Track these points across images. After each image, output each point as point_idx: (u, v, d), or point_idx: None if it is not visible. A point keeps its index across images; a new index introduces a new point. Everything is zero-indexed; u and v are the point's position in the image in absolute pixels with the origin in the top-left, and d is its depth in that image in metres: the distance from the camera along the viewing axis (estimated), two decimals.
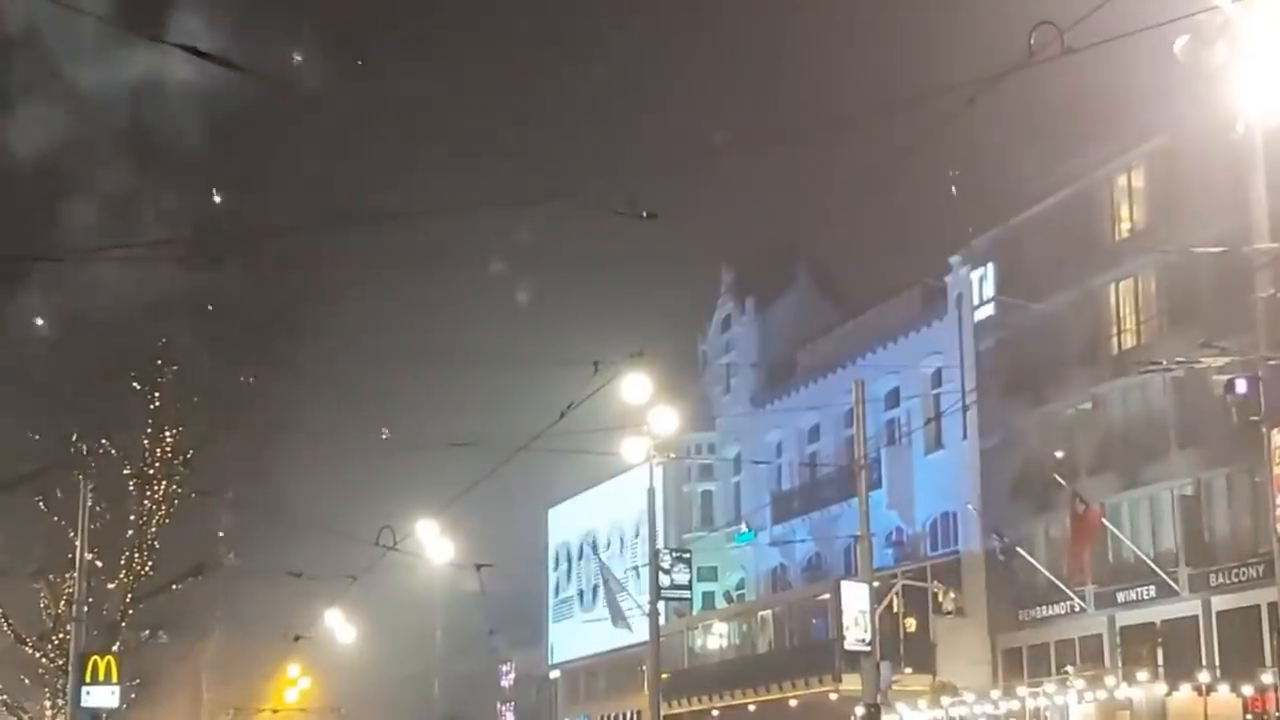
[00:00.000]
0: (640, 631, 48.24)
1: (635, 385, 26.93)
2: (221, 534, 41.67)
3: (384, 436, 38.26)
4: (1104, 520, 37.92)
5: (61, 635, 35.83)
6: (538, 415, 25.70)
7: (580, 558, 69.91)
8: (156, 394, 38.14)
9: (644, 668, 43.18)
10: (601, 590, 63.35)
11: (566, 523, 72.36)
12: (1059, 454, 41.35)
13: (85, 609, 32.87)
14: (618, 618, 52.33)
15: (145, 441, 38.19)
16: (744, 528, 57.56)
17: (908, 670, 44.03)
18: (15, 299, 29.08)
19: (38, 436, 34.06)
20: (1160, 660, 37.17)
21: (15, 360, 33.32)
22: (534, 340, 53.11)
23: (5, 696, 39.58)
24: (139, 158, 35.65)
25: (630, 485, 52.52)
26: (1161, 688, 35.51)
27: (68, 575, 35.09)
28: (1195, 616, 36.87)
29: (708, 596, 59.49)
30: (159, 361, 37.60)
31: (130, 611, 38.42)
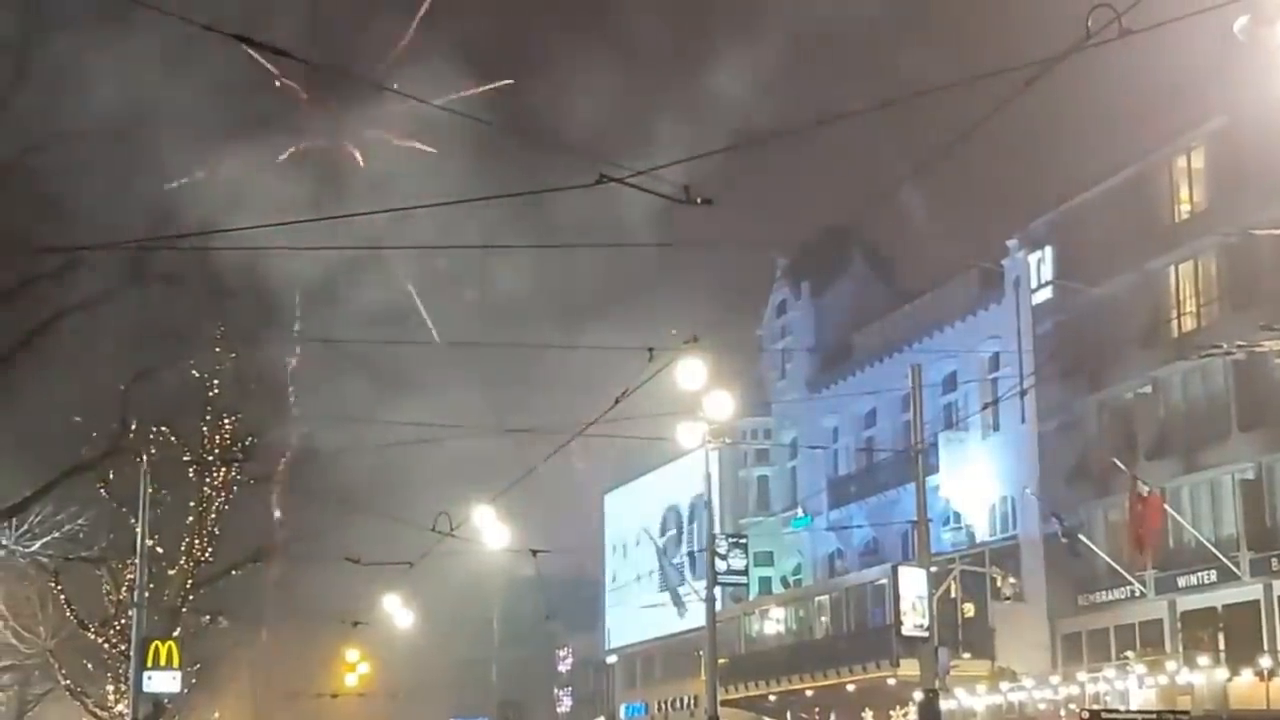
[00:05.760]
0: (697, 616, 48.29)
1: (690, 371, 26.82)
2: (280, 520, 41.98)
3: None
4: (1165, 505, 37.67)
5: (123, 621, 36.21)
6: (593, 401, 25.70)
7: (636, 543, 69.97)
8: (215, 381, 38.46)
9: (701, 653, 43.17)
10: (658, 575, 63.48)
11: (623, 508, 72.44)
12: (1119, 438, 41.08)
13: (146, 595, 33.21)
14: (677, 603, 52.36)
15: (204, 428, 38.51)
16: (800, 513, 57.44)
17: (966, 655, 43.81)
18: (74, 287, 29.27)
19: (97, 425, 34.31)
20: (1221, 645, 36.90)
21: (75, 348, 33.59)
22: (589, 327, 53.13)
23: (69, 681, 40.02)
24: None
25: (686, 470, 52.50)
26: (1223, 673, 35.26)
27: (129, 561, 35.48)
28: (1257, 601, 36.57)
29: (764, 582, 59.41)
30: (217, 349, 37.89)
31: (190, 597, 38.78)
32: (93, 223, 28.23)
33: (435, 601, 58.46)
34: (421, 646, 64.61)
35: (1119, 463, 39.06)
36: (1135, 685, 37.02)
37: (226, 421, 38.68)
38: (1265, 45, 15.40)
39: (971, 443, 48.12)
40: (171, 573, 37.89)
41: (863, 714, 49.81)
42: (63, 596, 37.58)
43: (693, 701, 59.93)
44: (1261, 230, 34.60)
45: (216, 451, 38.38)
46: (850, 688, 47.98)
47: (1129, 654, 39.14)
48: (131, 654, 32.61)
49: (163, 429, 36.27)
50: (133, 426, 34.07)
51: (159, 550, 36.36)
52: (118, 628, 37.05)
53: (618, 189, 13.40)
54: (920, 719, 32.32)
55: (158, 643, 31.94)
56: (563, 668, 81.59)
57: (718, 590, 38.84)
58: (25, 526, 33.41)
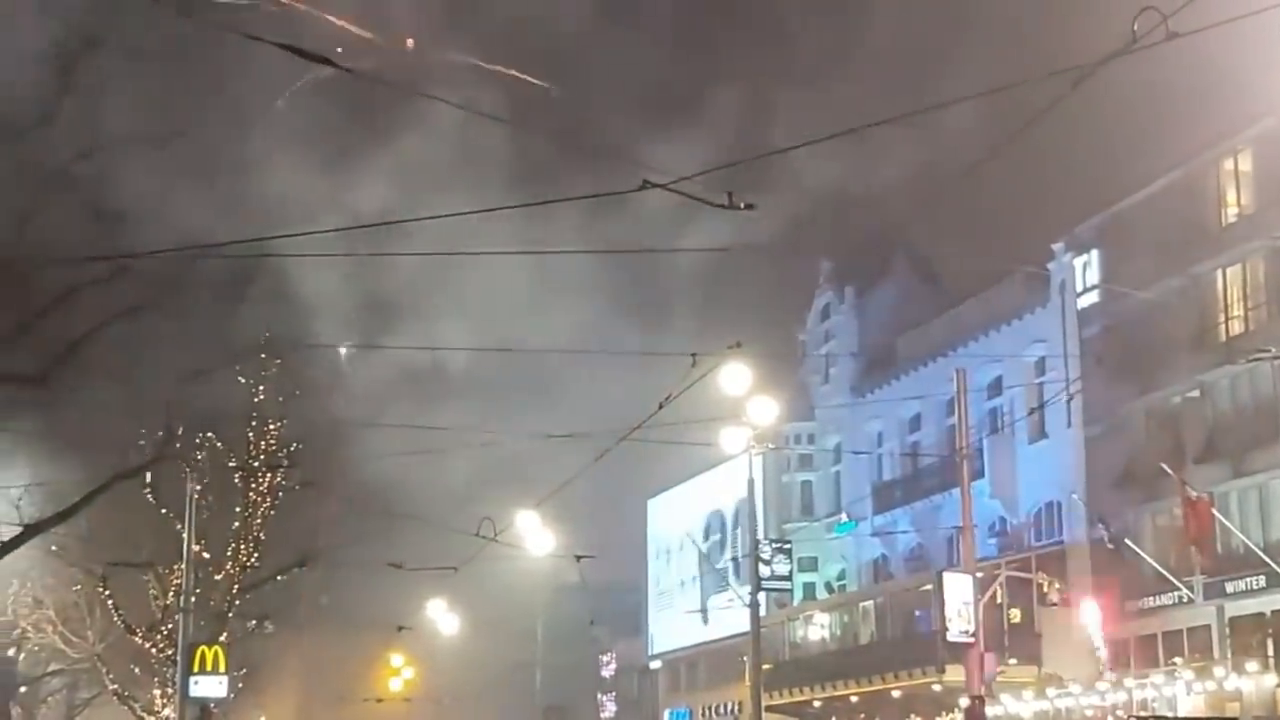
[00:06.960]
0: (740, 622, 48.26)
1: (733, 376, 26.81)
2: (325, 526, 42.13)
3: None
4: (1213, 510, 37.40)
5: (170, 626, 36.36)
6: (637, 407, 25.70)
7: (680, 548, 69.96)
8: (260, 387, 38.60)
9: (744, 658, 43.16)
10: (700, 581, 63.50)
11: (666, 514, 72.43)
12: (1167, 443, 40.81)
13: (193, 600, 33.36)
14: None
15: (250, 434, 38.66)
16: (845, 518, 57.35)
17: (1012, 661, 43.61)
18: (120, 294, 29.41)
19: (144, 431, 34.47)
20: (1270, 651, 36.59)
21: (122, 355, 33.81)
22: (632, 333, 53.24)
23: (116, 686, 40.22)
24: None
25: (729, 476, 52.46)
26: (1272, 679, 35.00)
27: (176, 567, 35.68)
28: None
29: (808, 587, 59.33)
30: (263, 355, 38.02)
31: (237, 602, 38.90)
32: (140, 230, 28.38)
33: (479, 607, 58.61)
34: (466, 651, 64.77)
35: (1166, 468, 38.82)
36: (1183, 691, 36.75)
37: (272, 427, 38.82)
38: None
39: (1018, 447, 47.92)
40: (218, 578, 38.03)
41: None
42: (110, 601, 37.75)
43: (737, 707, 59.84)
44: None
45: (262, 457, 38.52)
46: (895, 694, 47.85)
47: (1177, 660, 38.87)
48: (178, 659, 32.75)
49: (209, 435, 36.44)
50: (179, 433, 34.20)
51: (205, 555, 36.52)
52: (164, 632, 37.19)
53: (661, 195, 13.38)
54: None
55: (204, 648, 32.08)
56: (606, 673, 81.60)
57: (761, 595, 38.76)
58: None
